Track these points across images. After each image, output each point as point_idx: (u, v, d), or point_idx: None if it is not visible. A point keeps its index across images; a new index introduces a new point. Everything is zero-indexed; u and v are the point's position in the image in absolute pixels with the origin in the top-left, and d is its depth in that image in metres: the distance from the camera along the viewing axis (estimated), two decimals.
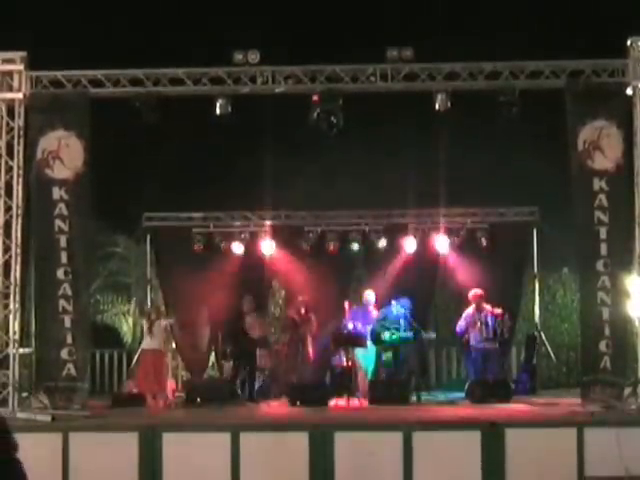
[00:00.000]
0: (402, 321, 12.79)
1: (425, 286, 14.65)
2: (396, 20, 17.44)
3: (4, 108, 11.51)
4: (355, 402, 12.01)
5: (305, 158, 15.85)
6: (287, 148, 15.97)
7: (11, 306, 11.30)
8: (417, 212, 14.91)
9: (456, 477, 9.50)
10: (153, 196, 16.48)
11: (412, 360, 12.80)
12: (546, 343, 14.45)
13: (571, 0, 17.34)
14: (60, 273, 11.31)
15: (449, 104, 11.44)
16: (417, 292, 13.84)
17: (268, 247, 14.64)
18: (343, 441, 9.57)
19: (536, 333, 14.50)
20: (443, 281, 14.87)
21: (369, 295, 13.58)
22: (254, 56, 11.37)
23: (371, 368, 13.06)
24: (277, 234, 14.73)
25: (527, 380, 13.93)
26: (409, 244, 14.49)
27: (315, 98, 11.49)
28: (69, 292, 11.29)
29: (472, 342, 13.00)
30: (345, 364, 12.68)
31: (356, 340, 12.70)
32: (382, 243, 14.53)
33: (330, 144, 12.75)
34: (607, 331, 11.07)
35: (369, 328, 12.99)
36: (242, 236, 14.70)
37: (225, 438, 9.61)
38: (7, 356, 11.19)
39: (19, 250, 11.33)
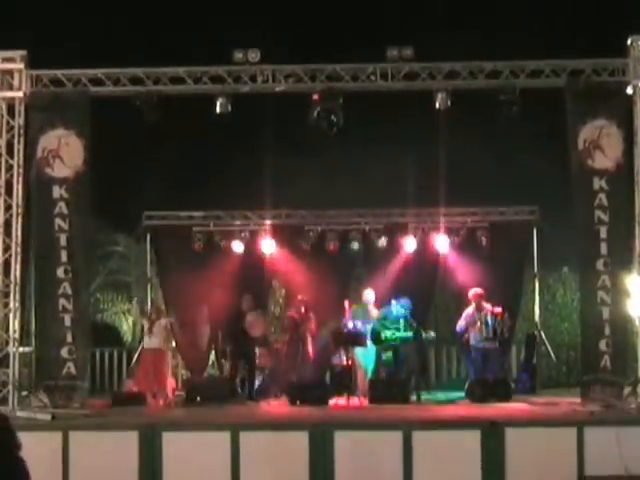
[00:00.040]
0: (402, 321, 12.78)
1: (425, 285, 14.65)
2: (396, 19, 17.45)
3: (4, 107, 11.50)
4: (355, 401, 12.01)
5: (305, 157, 15.84)
6: (287, 147, 15.98)
7: (11, 305, 11.29)
8: (417, 211, 14.92)
9: (456, 476, 9.50)
10: (153, 195, 16.50)
11: (412, 359, 12.79)
12: (546, 342, 14.45)
13: None
14: (60, 272, 11.30)
15: (449, 103, 11.43)
16: (417, 291, 13.85)
17: (268, 246, 14.64)
18: (343, 440, 9.56)
19: (536, 332, 14.50)
20: (443, 280, 14.86)
21: (369, 294, 13.57)
22: (254, 55, 11.36)
23: (371, 367, 13.05)
24: (277, 233, 14.73)
25: (527, 379, 13.94)
26: (409, 243, 14.49)
27: (315, 97, 11.48)
28: (69, 291, 11.28)
29: (472, 341, 12.99)
30: (345, 363, 12.68)
31: (356, 339, 12.70)
32: (382, 242, 14.54)
33: (330, 143, 12.72)
34: (607, 330, 11.06)
35: (369, 327, 12.99)
36: (242, 235, 14.71)
37: (225, 437, 9.60)
38: (7, 355, 11.18)
39: (19, 249, 11.33)
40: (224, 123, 11.69)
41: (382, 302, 13.39)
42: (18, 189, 11.37)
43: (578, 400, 11.10)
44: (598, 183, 11.18)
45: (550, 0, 17.17)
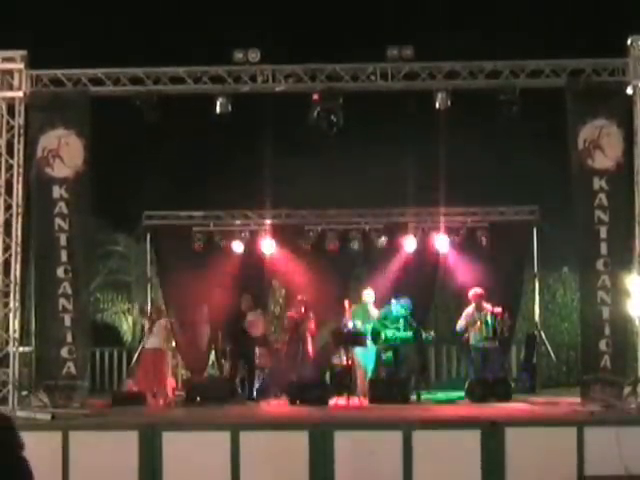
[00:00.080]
0: (402, 321, 12.79)
1: (425, 285, 14.65)
2: (396, 19, 17.46)
3: (4, 107, 11.49)
4: (355, 401, 12.01)
5: (305, 157, 15.85)
6: (287, 147, 15.98)
7: (11, 304, 11.29)
8: (417, 211, 14.93)
9: (456, 476, 9.49)
10: (153, 194, 16.51)
11: (412, 359, 12.80)
12: (546, 342, 14.45)
13: None
14: (60, 272, 11.30)
15: (449, 103, 11.42)
16: (417, 291, 13.87)
17: (268, 246, 14.64)
18: (343, 440, 9.56)
19: (536, 332, 14.50)
20: (443, 280, 14.86)
21: (368, 294, 13.57)
22: (254, 55, 11.35)
23: (371, 367, 13.05)
24: (277, 233, 14.73)
25: (527, 379, 13.96)
26: (409, 243, 14.49)
27: (315, 97, 11.48)
28: (69, 291, 11.28)
29: (472, 341, 12.99)
30: (345, 363, 12.69)
31: (356, 339, 12.70)
32: (382, 242, 14.54)
33: (330, 143, 12.73)
34: (607, 330, 11.06)
35: (369, 327, 12.98)
36: (242, 235, 14.71)
37: (225, 437, 9.60)
38: (7, 354, 11.17)
39: (19, 249, 11.32)
40: (224, 123, 11.68)
41: (382, 302, 13.39)
42: (18, 189, 11.37)
43: (578, 400, 11.10)
44: (598, 183, 11.18)
45: (550, 0, 17.18)
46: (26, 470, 4.82)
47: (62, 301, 11.26)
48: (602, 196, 11.16)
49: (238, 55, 11.37)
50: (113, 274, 18.44)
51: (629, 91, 11.29)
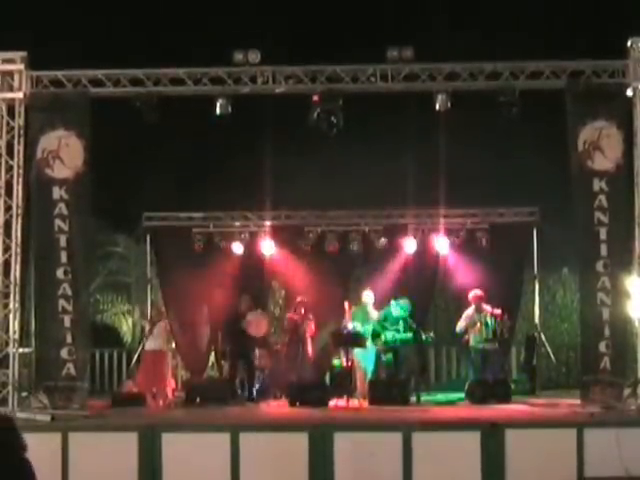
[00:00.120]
0: (402, 322, 12.79)
1: (425, 287, 14.66)
2: (396, 20, 17.45)
3: (4, 108, 11.49)
4: (355, 402, 12.01)
5: (305, 158, 15.84)
6: (287, 148, 15.97)
7: (11, 305, 11.29)
8: (417, 212, 14.93)
9: (456, 477, 9.50)
10: (153, 196, 16.50)
11: (412, 360, 12.80)
12: (546, 344, 14.44)
13: (571, 0, 17.36)
14: (60, 273, 11.29)
15: (449, 104, 11.43)
16: (417, 293, 13.88)
17: (268, 247, 14.64)
18: (343, 441, 9.56)
19: (536, 334, 14.49)
20: (443, 282, 14.87)
21: (367, 296, 13.57)
22: (254, 56, 11.35)
23: (370, 368, 13.05)
24: (277, 234, 14.73)
25: (527, 380, 13.96)
26: (409, 244, 14.50)
27: (315, 98, 11.48)
28: (69, 292, 11.27)
29: (472, 342, 12.99)
30: (345, 364, 12.69)
31: (355, 340, 12.70)
32: (382, 243, 14.54)
33: (330, 144, 12.73)
34: (607, 332, 11.05)
35: (369, 328, 12.98)
36: (242, 236, 14.71)
37: (225, 438, 9.60)
38: (7, 355, 11.17)
39: (19, 249, 11.32)
40: (224, 124, 11.69)
41: (382, 303, 13.39)
42: (18, 190, 11.37)
43: (578, 401, 11.10)
44: (598, 184, 11.18)
45: (550, 1, 17.18)
46: (29, 471, 4.83)
47: (62, 302, 11.25)
48: (602, 197, 11.16)
49: (238, 56, 11.37)
50: (113, 275, 18.43)
51: (629, 93, 11.30)
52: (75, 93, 11.48)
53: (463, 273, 14.23)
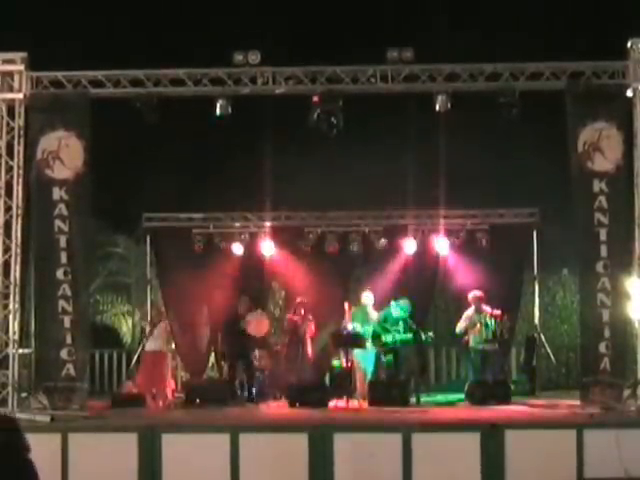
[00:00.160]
0: (401, 322, 12.79)
1: (425, 288, 14.65)
2: (396, 21, 17.46)
3: (4, 108, 11.50)
4: (354, 403, 12.00)
5: (305, 159, 15.85)
6: (287, 149, 15.98)
7: (11, 306, 11.29)
8: (417, 213, 14.94)
9: (455, 478, 9.49)
10: (153, 196, 16.50)
11: (412, 361, 12.80)
12: (546, 344, 14.43)
13: (571, 1, 17.36)
14: (60, 273, 11.30)
15: (449, 105, 11.43)
16: (417, 293, 13.87)
17: (268, 248, 14.64)
18: (343, 442, 9.56)
19: (536, 334, 14.48)
20: (443, 282, 14.87)
21: (367, 297, 13.56)
22: (254, 57, 11.36)
23: (370, 369, 13.04)
24: (277, 235, 14.73)
25: (527, 381, 13.96)
26: (409, 245, 14.50)
27: (315, 99, 11.48)
28: (69, 292, 11.27)
29: (472, 343, 12.99)
30: (344, 365, 12.69)
31: (355, 341, 12.70)
32: (382, 244, 14.54)
33: (330, 145, 12.74)
34: (607, 332, 11.06)
35: (369, 330, 12.98)
36: (242, 237, 14.71)
37: (224, 439, 9.60)
38: (7, 356, 11.17)
39: (19, 250, 11.32)
40: (224, 125, 11.69)
41: (382, 304, 13.39)
42: (18, 190, 11.37)
43: (578, 402, 11.11)
44: (598, 185, 11.18)
45: (550, 2, 17.19)
46: (32, 472, 4.83)
47: (62, 303, 11.25)
48: (602, 198, 11.16)
49: (238, 57, 11.37)
50: (113, 276, 18.44)
51: (629, 94, 11.30)
52: (75, 94, 11.49)
53: (463, 274, 14.23)
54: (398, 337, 12.70)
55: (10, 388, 11.05)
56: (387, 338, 12.72)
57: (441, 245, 14.49)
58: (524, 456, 9.45)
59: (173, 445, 9.63)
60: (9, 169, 11.41)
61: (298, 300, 13.68)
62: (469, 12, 17.39)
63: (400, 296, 13.16)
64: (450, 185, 14.36)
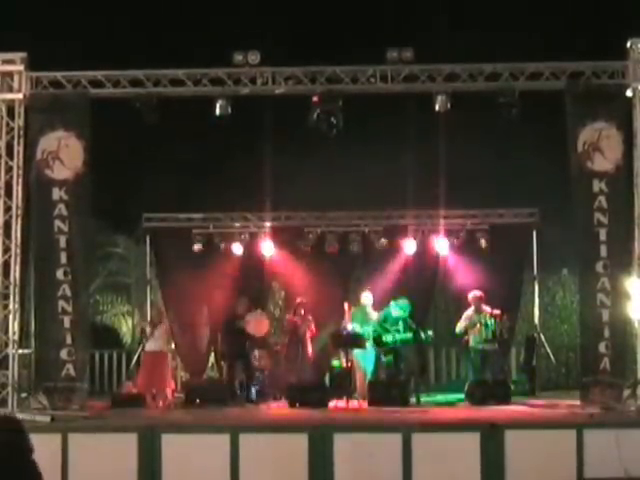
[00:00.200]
0: (401, 322, 12.79)
1: (425, 288, 14.66)
2: (396, 21, 17.45)
3: (4, 108, 11.50)
4: (354, 403, 12.00)
5: (305, 159, 15.85)
6: (287, 149, 15.97)
7: (10, 306, 11.29)
8: (417, 213, 14.95)
9: (455, 478, 9.48)
10: (153, 196, 16.50)
11: (412, 361, 12.80)
12: (545, 344, 14.45)
13: (571, 1, 17.36)
14: (59, 273, 11.30)
15: (449, 105, 11.44)
16: (417, 293, 13.88)
17: (268, 248, 14.64)
18: (342, 442, 9.56)
19: (535, 334, 14.50)
20: (443, 282, 14.88)
21: (366, 297, 13.56)
22: (254, 57, 11.36)
23: (370, 369, 13.04)
24: (277, 235, 14.74)
25: (526, 381, 13.96)
26: (409, 245, 14.50)
27: (315, 99, 11.48)
28: (68, 293, 11.28)
29: (472, 343, 13.00)
30: (344, 365, 12.69)
31: (355, 341, 12.69)
32: (382, 244, 14.54)
33: (330, 145, 12.73)
34: (606, 332, 11.06)
35: (369, 330, 12.98)
36: (242, 237, 14.72)
37: (224, 439, 9.60)
38: (6, 356, 11.18)
39: (19, 250, 11.33)
40: (224, 125, 11.69)
41: (382, 304, 13.39)
42: (18, 191, 11.37)
43: (577, 402, 11.12)
44: (598, 185, 11.18)
45: (550, 2, 17.18)
46: (36, 473, 4.83)
47: (61, 303, 11.26)
48: (602, 198, 11.16)
49: (238, 57, 11.38)
50: (113, 276, 18.43)
51: (629, 93, 11.30)
52: (75, 94, 11.49)
53: (463, 274, 14.24)
54: (398, 337, 12.70)
55: (10, 388, 11.05)
56: (387, 338, 12.72)
57: (441, 245, 14.49)
58: (524, 456, 9.45)
59: (173, 445, 9.62)
60: (9, 169, 11.41)
61: (298, 300, 13.69)
62: (469, 12, 17.39)
63: (400, 296, 13.16)
64: (450, 185, 14.36)
